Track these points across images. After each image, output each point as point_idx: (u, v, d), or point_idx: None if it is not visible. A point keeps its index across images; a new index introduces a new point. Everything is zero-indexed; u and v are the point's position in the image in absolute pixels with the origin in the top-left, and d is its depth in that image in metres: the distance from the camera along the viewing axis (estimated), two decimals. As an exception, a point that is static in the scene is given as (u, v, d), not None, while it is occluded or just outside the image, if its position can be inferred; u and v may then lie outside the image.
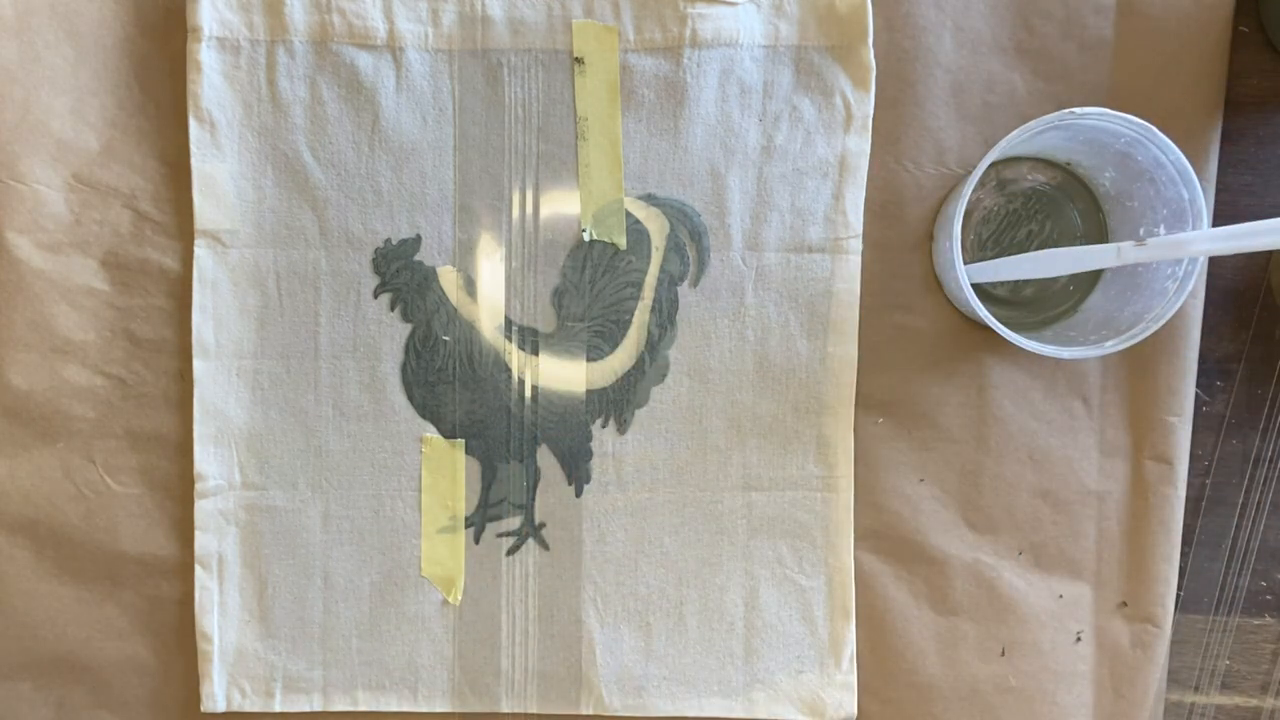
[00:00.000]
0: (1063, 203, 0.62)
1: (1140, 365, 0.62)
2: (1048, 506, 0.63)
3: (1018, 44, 0.62)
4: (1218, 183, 0.62)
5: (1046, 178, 0.63)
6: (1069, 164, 0.62)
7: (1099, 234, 0.62)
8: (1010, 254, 0.62)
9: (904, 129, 0.62)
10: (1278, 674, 0.64)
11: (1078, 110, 0.55)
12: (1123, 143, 0.57)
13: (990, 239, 0.63)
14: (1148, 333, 0.56)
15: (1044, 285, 0.63)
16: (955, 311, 0.63)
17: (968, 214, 0.62)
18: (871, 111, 0.62)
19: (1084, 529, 0.63)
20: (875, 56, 0.61)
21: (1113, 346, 0.56)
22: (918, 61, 0.62)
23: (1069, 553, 0.63)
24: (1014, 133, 0.55)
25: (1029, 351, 0.56)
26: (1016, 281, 0.63)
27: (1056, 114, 0.55)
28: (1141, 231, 0.59)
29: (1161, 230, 0.58)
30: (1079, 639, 0.63)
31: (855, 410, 0.63)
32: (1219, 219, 0.62)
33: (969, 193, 0.56)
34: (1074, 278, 0.62)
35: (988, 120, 0.62)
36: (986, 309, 0.56)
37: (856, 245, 0.62)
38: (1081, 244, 0.62)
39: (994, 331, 0.56)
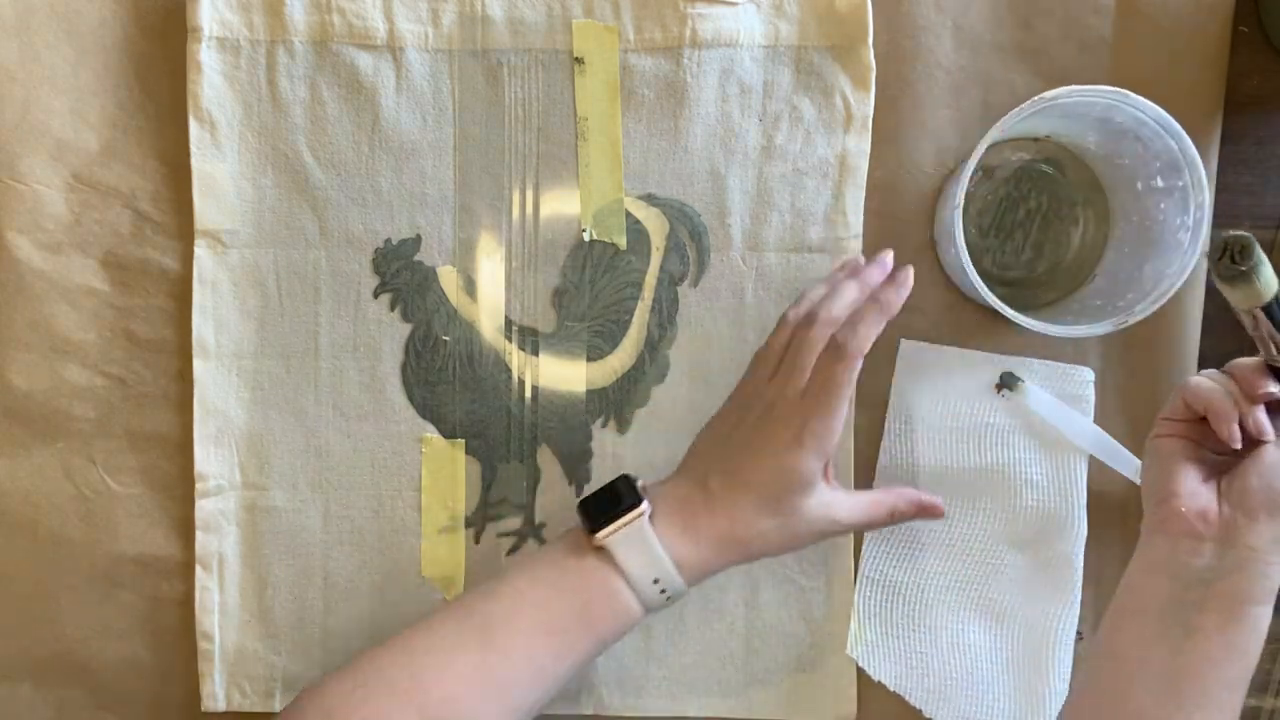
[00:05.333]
0: (1054, 174, 0.62)
1: (1140, 363, 0.62)
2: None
3: (1018, 44, 0.62)
4: (1218, 183, 0.62)
5: (1031, 154, 0.63)
6: (1049, 136, 0.62)
7: (1098, 196, 0.62)
8: (1014, 235, 0.62)
9: (904, 129, 0.62)
10: (1277, 674, 0.64)
11: (1047, 95, 0.54)
12: (1099, 109, 0.56)
13: (991, 227, 0.63)
14: (1174, 289, 0.55)
15: (1057, 257, 0.63)
16: (955, 311, 0.63)
17: (963, 209, 0.62)
18: (871, 111, 0.62)
19: (1083, 528, 0.63)
20: (875, 56, 0.61)
21: (1143, 311, 0.56)
22: (918, 61, 0.62)
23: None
24: (988, 134, 0.55)
25: (1026, 350, 0.56)
26: (1031, 259, 0.63)
27: (1026, 104, 0.54)
28: (1140, 186, 0.59)
29: (1159, 181, 0.57)
30: (1080, 639, 0.63)
31: (855, 410, 0.63)
32: (1219, 219, 0.62)
33: (961, 199, 0.55)
34: (1084, 240, 0.62)
35: (988, 120, 0.62)
36: (1001, 294, 0.56)
37: (857, 245, 0.62)
38: (1084, 210, 0.63)
39: (993, 331, 0.56)
